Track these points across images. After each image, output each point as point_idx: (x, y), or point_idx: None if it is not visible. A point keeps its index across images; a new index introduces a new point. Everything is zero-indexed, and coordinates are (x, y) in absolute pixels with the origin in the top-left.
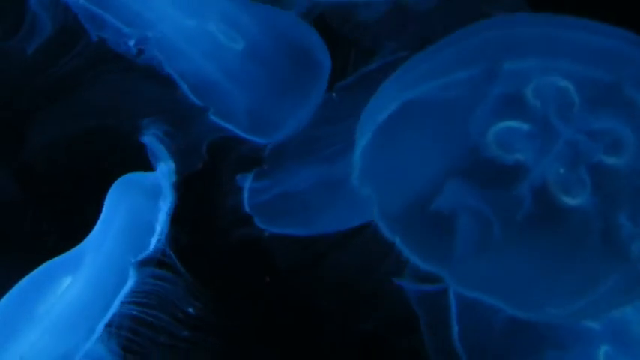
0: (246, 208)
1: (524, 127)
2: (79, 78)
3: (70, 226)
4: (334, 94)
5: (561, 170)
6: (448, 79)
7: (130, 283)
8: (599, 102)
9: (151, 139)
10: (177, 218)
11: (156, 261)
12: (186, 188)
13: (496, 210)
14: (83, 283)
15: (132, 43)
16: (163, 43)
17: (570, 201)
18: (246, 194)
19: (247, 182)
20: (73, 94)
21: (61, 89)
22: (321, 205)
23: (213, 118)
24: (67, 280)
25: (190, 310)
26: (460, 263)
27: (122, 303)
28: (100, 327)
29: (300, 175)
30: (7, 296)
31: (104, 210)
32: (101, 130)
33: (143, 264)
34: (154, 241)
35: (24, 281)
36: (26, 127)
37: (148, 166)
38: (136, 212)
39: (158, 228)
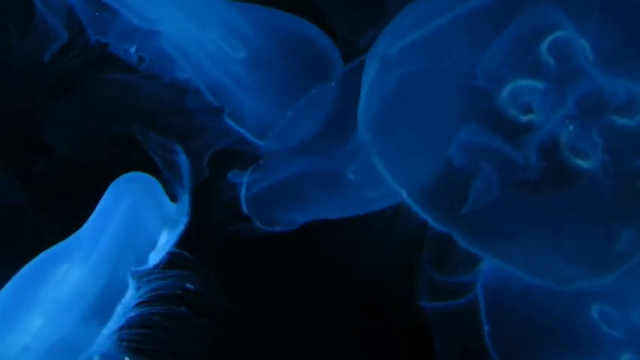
0: (243, 206)
1: (537, 85)
2: (82, 78)
3: (71, 226)
4: (332, 83)
5: (571, 128)
6: (463, 9)
7: (130, 293)
8: (614, 59)
9: (186, 165)
10: None
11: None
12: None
13: (505, 168)
14: (79, 272)
15: (133, 49)
16: (174, 40)
17: (582, 162)
18: (243, 190)
19: (245, 177)
20: (76, 94)
21: (64, 89)
22: (316, 197)
23: (227, 120)
24: (65, 268)
25: (189, 286)
26: (469, 220)
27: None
28: (107, 328)
29: (294, 167)
30: (7, 285)
31: (105, 198)
32: (104, 131)
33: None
34: (153, 258)
35: (24, 270)
36: (28, 128)
37: (151, 168)
38: (140, 213)
39: (162, 247)
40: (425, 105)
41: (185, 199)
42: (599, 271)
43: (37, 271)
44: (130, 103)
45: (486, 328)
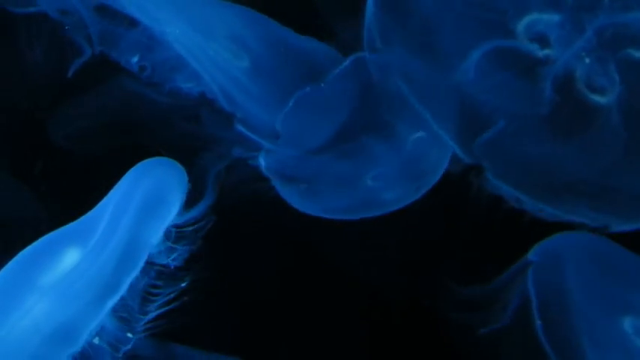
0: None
1: (554, 17)
2: (85, 78)
3: None
4: (322, 84)
5: (587, 60)
6: None
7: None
8: None
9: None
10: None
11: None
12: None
13: (520, 100)
14: (93, 255)
15: (135, 59)
16: (181, 41)
17: (598, 98)
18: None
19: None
20: (80, 95)
21: (67, 89)
22: (330, 196)
23: (238, 127)
24: (75, 250)
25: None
26: (492, 150)
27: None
28: (110, 303)
29: (312, 165)
30: (8, 265)
31: (127, 179)
32: (109, 132)
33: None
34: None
35: (26, 250)
36: (29, 128)
37: None
38: (164, 197)
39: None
40: (442, 27)
41: (205, 200)
42: (629, 217)
43: (42, 250)
44: (136, 104)
45: (538, 323)
